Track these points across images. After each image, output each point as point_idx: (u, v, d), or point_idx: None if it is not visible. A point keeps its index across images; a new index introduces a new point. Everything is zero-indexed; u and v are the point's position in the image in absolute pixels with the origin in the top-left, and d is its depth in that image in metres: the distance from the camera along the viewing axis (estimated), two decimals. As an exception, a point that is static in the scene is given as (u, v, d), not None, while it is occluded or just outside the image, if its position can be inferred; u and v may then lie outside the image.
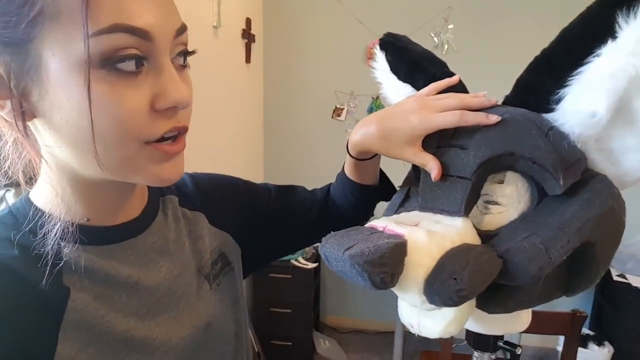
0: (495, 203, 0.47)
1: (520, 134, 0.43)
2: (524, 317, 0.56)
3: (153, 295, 0.48)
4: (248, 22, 2.38)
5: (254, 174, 2.70)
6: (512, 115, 0.45)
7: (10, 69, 0.36)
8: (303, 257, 2.44)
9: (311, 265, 2.40)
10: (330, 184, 0.73)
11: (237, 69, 2.33)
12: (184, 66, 0.43)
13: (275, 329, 2.47)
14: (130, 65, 0.37)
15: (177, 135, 0.42)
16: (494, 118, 0.45)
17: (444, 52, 2.42)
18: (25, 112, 0.38)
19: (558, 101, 0.44)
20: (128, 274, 0.46)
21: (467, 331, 0.58)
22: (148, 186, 0.54)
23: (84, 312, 0.42)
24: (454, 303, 0.38)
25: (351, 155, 0.62)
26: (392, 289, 0.42)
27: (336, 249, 0.39)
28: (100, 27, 0.34)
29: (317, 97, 2.69)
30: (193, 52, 0.44)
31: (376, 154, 0.62)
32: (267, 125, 2.80)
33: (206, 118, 1.91)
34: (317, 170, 2.60)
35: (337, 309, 2.93)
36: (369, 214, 0.72)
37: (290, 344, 2.47)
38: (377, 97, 2.62)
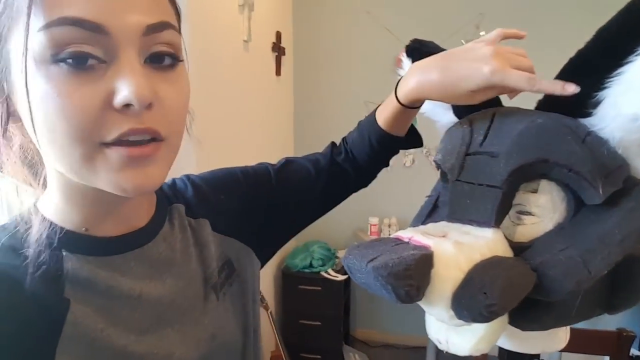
0: (529, 213, 0.45)
1: (554, 139, 0.41)
2: (561, 335, 0.52)
3: (156, 309, 0.46)
4: (278, 35, 2.42)
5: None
6: (545, 120, 0.42)
7: None
8: (333, 269, 2.42)
9: (341, 277, 2.37)
10: (332, 143, 0.70)
11: (268, 82, 2.36)
12: (169, 66, 0.39)
13: (304, 342, 2.45)
14: (82, 61, 0.34)
15: (150, 141, 0.38)
16: (571, 88, 0.42)
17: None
18: (11, 115, 0.38)
19: (596, 105, 0.41)
20: (130, 286, 0.44)
21: (500, 349, 0.55)
22: (156, 194, 0.52)
23: (83, 326, 0.40)
24: (484, 319, 0.36)
25: (400, 103, 0.58)
26: (419, 303, 0.40)
27: (359, 261, 0.38)
28: (47, 20, 0.33)
29: (347, 108, 2.69)
30: (179, 59, 0.40)
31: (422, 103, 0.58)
32: (298, 137, 2.82)
33: (237, 130, 1.94)
34: (347, 181, 2.58)
35: (368, 322, 2.87)
36: (384, 166, 0.70)
37: (319, 357, 2.44)
38: (407, 107, 2.59)
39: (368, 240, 0.45)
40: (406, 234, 0.42)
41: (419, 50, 0.61)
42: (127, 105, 0.36)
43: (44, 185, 0.45)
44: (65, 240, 0.42)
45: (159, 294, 0.47)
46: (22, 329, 0.38)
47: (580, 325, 0.50)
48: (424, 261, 0.36)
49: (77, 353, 0.40)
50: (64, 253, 0.42)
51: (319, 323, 2.42)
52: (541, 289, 0.39)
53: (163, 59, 0.39)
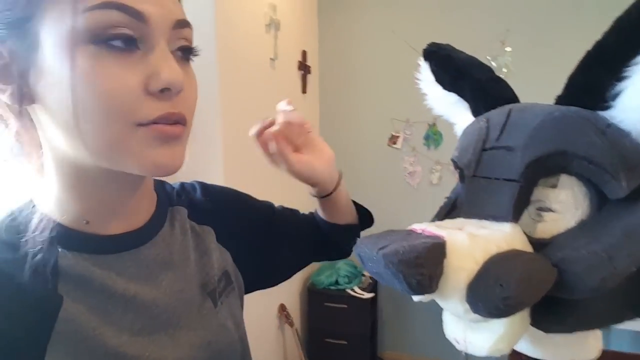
0: (549, 210, 0.43)
1: (572, 131, 0.40)
2: (592, 344, 0.50)
3: (151, 311, 0.45)
4: (304, 54, 2.47)
5: (310, 204, 2.72)
6: (563, 113, 0.42)
7: (13, 52, 0.37)
8: (359, 287, 2.39)
9: (367, 295, 2.34)
10: (315, 212, 0.74)
11: (294, 99, 2.39)
12: (187, 60, 0.43)
13: (330, 361, 2.41)
14: (121, 44, 0.36)
15: (176, 124, 0.40)
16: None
17: (502, 75, 2.34)
18: (24, 96, 0.38)
19: (615, 97, 0.40)
20: (125, 286, 0.44)
21: (526, 358, 0.53)
22: (157, 195, 0.52)
23: (75, 323, 0.40)
24: (501, 313, 0.35)
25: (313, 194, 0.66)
26: (433, 296, 0.39)
27: (370, 248, 0.38)
28: (95, 2, 0.35)
29: (372, 126, 2.70)
30: (195, 51, 0.43)
31: (334, 190, 0.66)
32: (323, 154, 2.83)
33: (263, 146, 1.97)
34: (373, 198, 2.55)
35: (396, 344, 2.80)
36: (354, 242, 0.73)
37: (345, 377, 2.39)
38: (434, 124, 2.58)
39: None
40: (420, 226, 0.41)
41: (436, 53, 0.61)
42: (163, 90, 0.38)
43: (40, 176, 0.44)
44: (62, 237, 0.42)
45: (154, 296, 0.46)
46: (14, 324, 0.38)
47: (619, 347, 0.48)
48: (436, 250, 0.36)
49: (68, 350, 0.39)
50: (59, 249, 0.41)
51: (345, 342, 2.37)
52: (562, 286, 0.38)
53: (184, 53, 0.42)
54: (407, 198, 2.65)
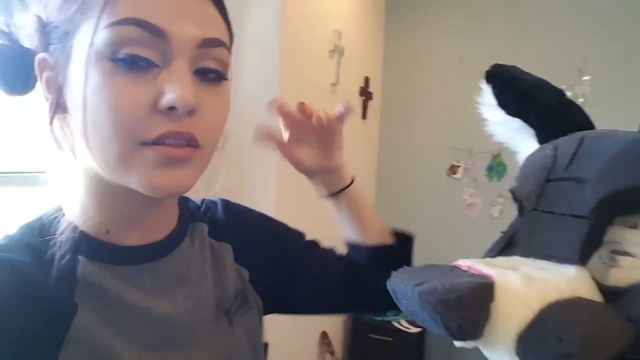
0: (627, 254, 0.37)
1: (659, 163, 0.34)
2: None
3: (163, 326, 0.44)
4: (366, 80, 2.47)
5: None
6: (648, 142, 0.36)
7: (58, 65, 0.39)
8: (406, 320, 2.28)
9: (414, 330, 2.22)
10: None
11: (353, 125, 2.39)
12: (215, 81, 0.41)
13: (372, 397, 2.30)
14: (136, 62, 0.36)
15: (186, 146, 0.39)
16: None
17: (578, 107, 2.19)
18: (59, 106, 0.40)
19: None
20: (140, 299, 0.43)
21: None
22: (180, 209, 0.52)
23: (87, 332, 0.40)
24: (559, 373, 0.29)
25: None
26: (477, 343, 0.34)
27: (405, 284, 0.33)
28: (115, 19, 0.36)
29: (432, 154, 2.62)
30: (223, 75, 0.42)
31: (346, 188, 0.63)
32: (381, 180, 2.79)
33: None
34: (432, 229, 2.45)
35: (444, 386, 2.62)
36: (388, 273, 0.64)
37: (387, 416, 2.26)
38: (498, 155, 2.45)
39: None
40: (466, 262, 0.37)
41: (499, 75, 0.56)
42: (171, 109, 0.37)
43: (69, 183, 0.45)
44: (83, 244, 0.42)
45: (168, 310, 0.45)
46: (28, 327, 0.38)
47: None
48: (482, 291, 0.31)
49: (79, 358, 0.39)
50: (79, 257, 0.42)
51: (389, 378, 2.26)
52: (641, 347, 0.31)
53: (210, 74, 0.41)
54: (464, 230, 2.52)
